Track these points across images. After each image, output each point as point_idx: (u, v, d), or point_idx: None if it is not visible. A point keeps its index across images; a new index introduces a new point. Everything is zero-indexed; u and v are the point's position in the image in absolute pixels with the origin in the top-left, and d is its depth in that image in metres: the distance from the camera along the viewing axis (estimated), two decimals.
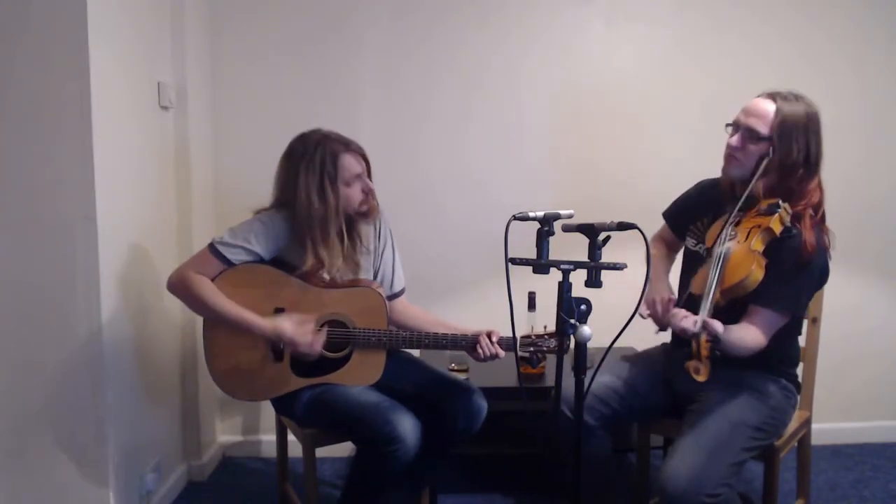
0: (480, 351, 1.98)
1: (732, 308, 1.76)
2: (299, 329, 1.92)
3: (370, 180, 2.08)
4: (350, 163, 2.02)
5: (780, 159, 1.80)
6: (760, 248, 1.74)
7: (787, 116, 1.79)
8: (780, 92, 1.84)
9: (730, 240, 1.76)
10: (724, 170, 1.90)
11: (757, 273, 1.71)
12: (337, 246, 2.03)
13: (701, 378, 1.54)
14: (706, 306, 1.62)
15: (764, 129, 1.80)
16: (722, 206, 1.94)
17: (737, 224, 1.80)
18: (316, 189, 1.97)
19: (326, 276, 2.08)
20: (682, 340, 2.06)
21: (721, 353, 1.65)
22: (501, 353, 1.99)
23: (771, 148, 1.80)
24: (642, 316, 1.93)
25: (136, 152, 2.27)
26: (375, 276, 2.18)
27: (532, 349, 2.00)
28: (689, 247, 2.05)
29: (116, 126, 2.09)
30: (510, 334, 1.66)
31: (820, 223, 1.85)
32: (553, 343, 1.99)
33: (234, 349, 2.01)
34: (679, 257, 2.16)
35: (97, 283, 1.99)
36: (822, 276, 1.87)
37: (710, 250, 1.82)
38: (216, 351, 2.03)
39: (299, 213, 1.98)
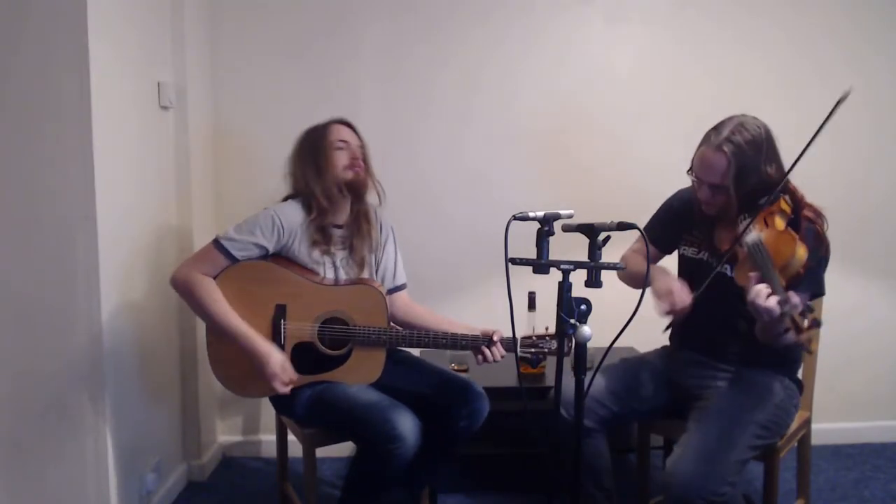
0: (486, 356, 1.99)
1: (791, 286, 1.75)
2: (282, 373, 1.96)
3: (365, 158, 2.14)
4: (336, 129, 2.12)
5: (740, 193, 1.84)
6: (783, 225, 1.77)
7: (740, 160, 1.80)
8: (727, 137, 1.81)
9: (751, 231, 1.77)
10: (705, 211, 1.93)
11: (801, 251, 1.70)
12: (342, 205, 2.11)
13: (813, 346, 1.53)
14: (778, 287, 1.61)
15: (724, 181, 1.83)
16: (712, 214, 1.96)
17: (748, 221, 1.81)
18: (311, 160, 2.08)
19: (332, 274, 2.09)
20: (682, 341, 2.07)
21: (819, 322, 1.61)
22: (503, 352, 2.00)
23: (734, 190, 1.84)
24: (667, 314, 1.88)
25: (136, 152, 2.27)
26: (377, 269, 2.20)
27: (533, 350, 2.00)
28: (688, 255, 2.05)
29: (116, 126, 2.09)
30: (510, 335, 1.66)
31: (810, 203, 1.87)
32: (554, 344, 1.99)
33: (235, 345, 2.01)
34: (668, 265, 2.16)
35: (97, 283, 1.99)
36: (827, 252, 1.88)
37: (729, 251, 1.82)
38: (218, 346, 2.04)
39: (303, 189, 2.07)
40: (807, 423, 2.13)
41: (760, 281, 1.64)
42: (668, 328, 1.95)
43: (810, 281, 1.79)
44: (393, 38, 2.77)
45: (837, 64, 2.82)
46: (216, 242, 1.99)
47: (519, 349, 1.93)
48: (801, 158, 1.77)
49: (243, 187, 2.77)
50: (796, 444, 2.13)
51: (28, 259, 1.97)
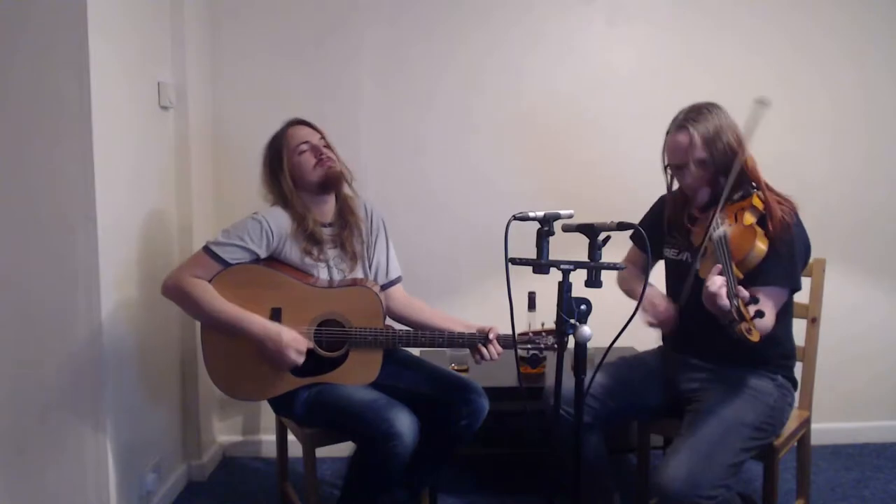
0: (484, 354, 1.99)
1: (749, 279, 1.78)
2: (293, 350, 1.94)
3: (329, 150, 2.12)
4: (293, 133, 2.11)
5: (717, 165, 1.89)
6: (753, 221, 1.81)
7: (702, 128, 1.89)
8: (686, 117, 1.92)
9: (720, 226, 1.79)
10: (697, 199, 1.96)
11: (760, 245, 1.75)
12: (325, 204, 2.12)
13: (754, 338, 1.55)
14: (731, 280, 1.63)
15: (704, 154, 1.89)
16: (691, 212, 2.00)
17: (720, 209, 1.84)
18: (280, 172, 2.08)
19: (326, 275, 2.09)
20: (674, 343, 2.08)
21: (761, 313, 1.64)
22: (500, 349, 2.00)
23: (711, 161, 1.89)
24: (651, 325, 1.96)
25: (136, 152, 2.27)
26: (370, 263, 2.19)
27: (530, 346, 2.00)
28: (670, 257, 2.07)
29: (116, 126, 2.09)
30: (506, 332, 1.66)
31: (782, 196, 1.91)
32: (550, 340, 2.00)
33: (232, 348, 2.00)
34: (657, 270, 2.16)
35: (97, 283, 1.99)
36: (806, 247, 1.91)
37: (701, 245, 1.85)
38: (214, 350, 2.03)
39: (282, 201, 2.08)
40: (807, 422, 2.13)
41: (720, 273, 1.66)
42: (663, 338, 1.98)
43: (778, 274, 1.81)
44: (393, 38, 2.77)
45: (837, 64, 2.82)
46: (206, 249, 1.99)
47: (517, 345, 1.92)
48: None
49: (243, 187, 2.74)
50: (796, 444, 2.13)
51: (28, 259, 1.97)
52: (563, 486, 1.66)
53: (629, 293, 2.18)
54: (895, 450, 2.92)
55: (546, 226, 1.54)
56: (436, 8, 2.77)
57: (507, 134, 2.83)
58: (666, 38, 2.81)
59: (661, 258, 2.13)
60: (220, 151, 2.80)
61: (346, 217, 2.14)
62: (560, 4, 2.79)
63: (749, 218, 1.81)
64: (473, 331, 2.02)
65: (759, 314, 1.57)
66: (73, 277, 1.98)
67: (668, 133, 1.97)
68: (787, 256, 1.82)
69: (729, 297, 1.58)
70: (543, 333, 2.01)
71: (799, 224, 1.87)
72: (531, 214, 1.54)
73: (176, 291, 1.97)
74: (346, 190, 2.17)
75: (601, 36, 2.81)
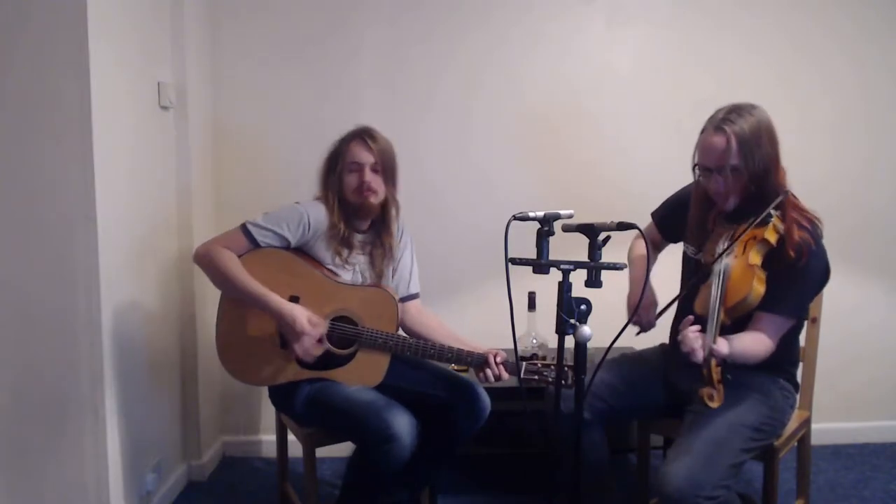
0: (487, 375, 1.99)
1: (739, 321, 1.78)
2: (311, 328, 1.95)
3: (380, 178, 2.09)
4: (352, 149, 2.09)
5: (751, 174, 1.81)
6: (758, 261, 1.74)
7: (742, 137, 1.79)
8: (725, 117, 1.82)
9: (727, 255, 1.76)
10: (720, 207, 1.90)
11: (758, 289, 1.72)
12: (360, 218, 2.11)
13: (715, 404, 1.55)
14: (712, 329, 1.63)
15: (737, 161, 1.80)
16: (714, 216, 1.96)
17: (733, 236, 1.80)
18: (330, 178, 2.10)
19: (350, 277, 2.10)
20: (676, 343, 2.07)
21: (730, 374, 1.66)
22: (506, 375, 2.00)
23: (745, 169, 1.81)
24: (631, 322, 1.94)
25: (136, 152, 2.27)
26: (393, 275, 2.20)
27: (536, 378, 1.97)
28: (688, 254, 2.06)
29: (116, 126, 2.09)
30: (512, 344, 1.64)
31: (808, 219, 1.83)
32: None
33: (245, 327, 2.03)
34: (666, 260, 2.17)
35: (97, 283, 1.99)
36: (823, 275, 1.86)
37: (708, 267, 1.82)
38: (227, 326, 2.06)
39: (324, 201, 2.09)
40: (807, 423, 2.13)
41: (698, 316, 1.67)
42: (637, 333, 1.97)
43: (785, 303, 1.79)
44: (394, 38, 2.77)
45: (837, 64, 2.82)
46: (243, 227, 2.03)
47: (522, 373, 1.92)
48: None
49: (243, 187, 2.77)
50: (796, 444, 2.13)
51: (28, 259, 1.97)
52: (564, 485, 1.66)
53: (630, 262, 2.14)
54: (895, 450, 2.92)
55: (546, 226, 1.54)
56: (436, 8, 2.77)
57: (506, 134, 2.83)
58: (666, 38, 2.81)
59: (675, 242, 2.11)
60: (220, 151, 2.80)
61: (380, 234, 2.15)
62: (560, 4, 2.79)
63: (755, 257, 1.74)
64: (482, 352, 2.02)
65: (728, 380, 1.56)
66: (73, 277, 1.98)
67: (703, 131, 1.86)
68: (798, 286, 1.79)
69: (703, 348, 1.58)
70: (552, 367, 1.99)
71: (817, 253, 1.80)
72: (531, 214, 1.54)
73: (206, 259, 2.02)
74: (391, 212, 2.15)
75: (601, 36, 2.81)
